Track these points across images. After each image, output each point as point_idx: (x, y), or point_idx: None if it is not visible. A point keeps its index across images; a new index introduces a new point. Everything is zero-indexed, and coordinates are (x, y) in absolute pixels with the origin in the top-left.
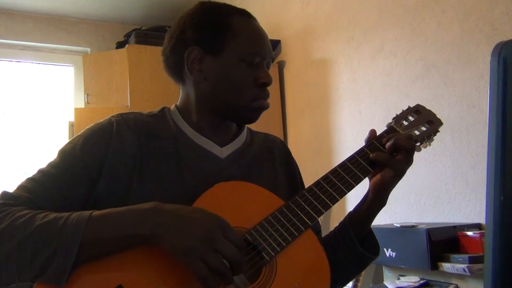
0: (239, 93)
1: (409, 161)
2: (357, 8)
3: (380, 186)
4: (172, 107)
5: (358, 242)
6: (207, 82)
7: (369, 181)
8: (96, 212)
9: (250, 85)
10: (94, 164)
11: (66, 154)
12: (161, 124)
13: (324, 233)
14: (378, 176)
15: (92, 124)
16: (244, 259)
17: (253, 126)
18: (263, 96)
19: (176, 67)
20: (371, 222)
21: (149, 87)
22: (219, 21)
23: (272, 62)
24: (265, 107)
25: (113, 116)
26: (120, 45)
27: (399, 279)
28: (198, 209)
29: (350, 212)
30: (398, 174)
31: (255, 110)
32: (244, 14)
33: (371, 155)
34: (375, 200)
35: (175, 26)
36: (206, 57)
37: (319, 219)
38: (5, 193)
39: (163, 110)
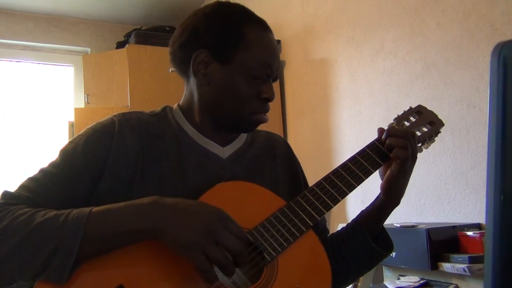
0: (240, 104)
1: (407, 148)
2: (357, 8)
3: (387, 184)
4: (175, 106)
5: (371, 239)
6: (210, 87)
7: (381, 181)
8: (96, 208)
9: (252, 98)
10: (95, 164)
11: (67, 154)
12: (163, 124)
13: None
14: (385, 177)
15: (93, 123)
16: (246, 252)
17: None
18: (263, 111)
19: (182, 64)
20: (384, 221)
21: (149, 87)
22: (234, 30)
23: None
24: (263, 121)
25: (115, 116)
26: (120, 45)
27: (399, 279)
28: (199, 203)
29: (362, 211)
30: (403, 165)
31: (253, 123)
32: (261, 25)
33: (383, 138)
34: (387, 200)
35: (188, 21)
36: (214, 63)
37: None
38: (6, 193)
39: (165, 109)
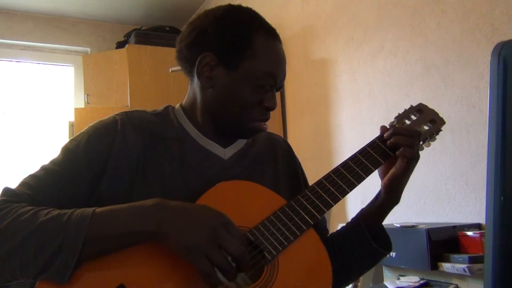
0: (240, 110)
1: (413, 147)
2: (357, 8)
3: (389, 183)
4: (177, 106)
5: (371, 238)
6: (213, 90)
7: (381, 180)
8: (99, 209)
9: (254, 105)
10: (97, 162)
11: (69, 152)
12: (165, 123)
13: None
14: (387, 175)
15: (96, 122)
16: (249, 257)
17: None
18: (263, 119)
19: (187, 63)
20: (384, 219)
21: (149, 87)
22: (242, 37)
23: None
24: (262, 130)
25: (117, 114)
26: (120, 45)
27: (399, 279)
28: (202, 206)
29: (362, 209)
30: (409, 163)
31: (251, 130)
32: (270, 34)
33: (388, 141)
34: (388, 199)
35: (198, 21)
36: (219, 67)
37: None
38: (7, 190)
39: (167, 109)
